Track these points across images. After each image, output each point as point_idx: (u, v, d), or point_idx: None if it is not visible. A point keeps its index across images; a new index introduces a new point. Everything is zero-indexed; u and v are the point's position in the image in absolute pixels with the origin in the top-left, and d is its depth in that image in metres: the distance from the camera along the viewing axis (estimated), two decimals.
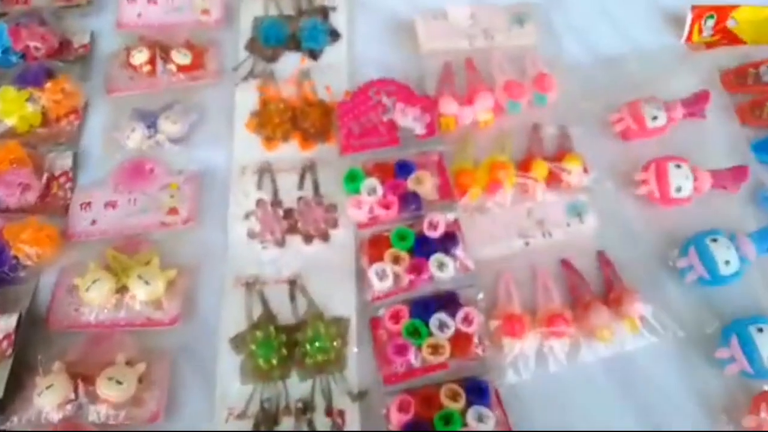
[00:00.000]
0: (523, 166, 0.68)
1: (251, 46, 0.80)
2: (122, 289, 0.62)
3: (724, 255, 0.62)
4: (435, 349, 0.58)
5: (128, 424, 0.56)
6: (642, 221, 0.68)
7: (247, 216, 0.67)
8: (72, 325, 0.61)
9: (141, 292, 0.61)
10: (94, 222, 0.68)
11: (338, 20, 0.82)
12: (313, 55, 0.79)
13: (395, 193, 0.65)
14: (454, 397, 0.56)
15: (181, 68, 0.77)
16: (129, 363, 0.58)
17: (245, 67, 0.78)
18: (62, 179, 0.71)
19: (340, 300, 0.63)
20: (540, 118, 0.73)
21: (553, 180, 0.68)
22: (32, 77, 0.75)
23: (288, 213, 0.67)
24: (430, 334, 0.59)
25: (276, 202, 0.68)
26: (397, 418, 0.55)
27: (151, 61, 0.77)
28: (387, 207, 0.65)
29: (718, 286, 0.62)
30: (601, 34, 0.82)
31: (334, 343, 0.59)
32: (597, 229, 0.66)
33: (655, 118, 0.70)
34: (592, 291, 0.63)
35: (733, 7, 0.80)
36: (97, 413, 0.55)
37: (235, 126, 0.74)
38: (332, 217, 0.67)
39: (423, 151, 0.69)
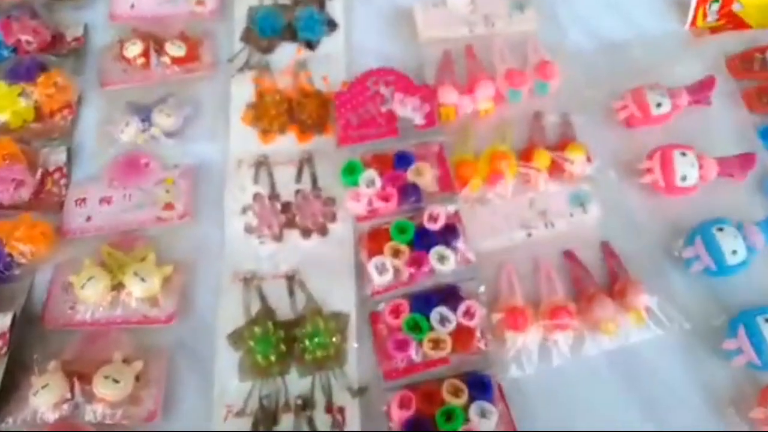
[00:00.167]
0: (525, 155, 0.67)
1: (246, 36, 0.79)
2: (118, 286, 0.61)
3: (731, 244, 0.60)
4: (436, 343, 0.57)
5: (125, 424, 0.55)
6: (646, 211, 0.67)
7: (244, 210, 0.66)
8: (67, 323, 0.61)
9: (137, 289, 0.60)
10: (89, 218, 0.67)
11: (335, 9, 0.81)
12: (310, 45, 0.77)
13: (394, 185, 0.64)
14: (456, 392, 0.55)
15: (176, 60, 0.75)
16: (126, 361, 0.57)
17: (241, 59, 0.77)
18: (56, 175, 0.70)
19: (339, 295, 0.62)
20: (542, 107, 0.72)
21: (555, 169, 0.66)
22: (24, 72, 0.74)
23: (285, 207, 0.66)
24: (431, 328, 0.58)
25: (273, 196, 0.67)
26: (398, 415, 0.54)
27: (145, 54, 0.75)
28: (386, 199, 0.64)
29: (725, 276, 0.61)
30: (604, 19, 0.80)
31: (334, 339, 0.59)
32: (600, 219, 0.65)
33: (659, 105, 0.69)
34: (596, 283, 0.62)
35: None
36: (93, 412, 0.55)
37: (230, 119, 0.73)
38: (330, 210, 0.66)
39: (422, 142, 0.68)
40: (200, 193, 0.68)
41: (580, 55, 0.77)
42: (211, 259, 0.64)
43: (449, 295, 0.60)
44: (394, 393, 0.55)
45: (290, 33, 0.78)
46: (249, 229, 0.65)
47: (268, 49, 0.77)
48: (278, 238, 0.65)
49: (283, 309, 0.61)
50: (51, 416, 0.55)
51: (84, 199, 0.68)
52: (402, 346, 0.57)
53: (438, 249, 0.61)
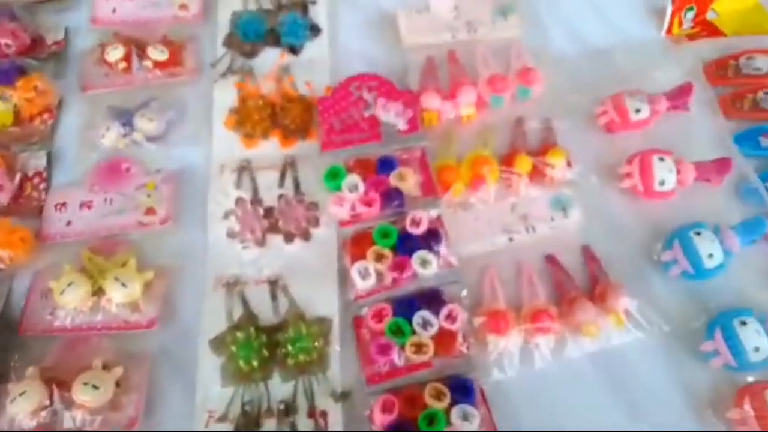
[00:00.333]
0: (507, 160, 0.68)
1: (230, 41, 0.78)
2: (98, 292, 0.61)
3: (708, 248, 0.61)
4: (418, 347, 0.57)
5: (105, 430, 0.54)
6: (627, 215, 0.68)
7: (226, 215, 0.66)
8: (47, 330, 0.60)
9: (118, 295, 0.60)
10: (69, 223, 0.66)
11: (318, 14, 0.81)
12: (293, 50, 0.78)
13: (377, 190, 0.64)
14: (438, 396, 0.55)
15: (158, 65, 0.75)
16: (106, 367, 0.56)
17: (224, 63, 0.77)
18: (36, 180, 0.69)
19: (322, 299, 0.62)
20: (524, 112, 0.72)
21: (536, 174, 0.67)
22: (3, 75, 0.73)
23: (268, 212, 0.66)
24: (414, 332, 0.58)
25: (256, 201, 0.67)
26: (380, 419, 0.54)
27: (127, 58, 0.75)
28: (369, 204, 0.64)
29: (703, 279, 0.62)
30: (587, 25, 0.81)
31: (316, 343, 0.59)
32: (581, 224, 0.66)
33: (638, 110, 0.70)
34: (577, 286, 0.62)
35: None
36: (72, 419, 0.54)
37: (213, 123, 0.72)
38: (313, 215, 0.66)
39: (405, 147, 0.68)
40: (183, 198, 0.68)
41: (563, 60, 0.78)
42: (194, 264, 0.64)
43: (432, 299, 0.60)
44: (377, 397, 0.55)
45: (273, 38, 0.78)
46: (232, 234, 0.65)
47: (251, 54, 0.77)
48: (261, 243, 0.65)
49: (266, 314, 0.61)
50: (29, 424, 0.54)
51: (64, 204, 0.67)
52: (384, 350, 0.57)
53: (421, 253, 0.61)
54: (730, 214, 0.66)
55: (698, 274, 0.62)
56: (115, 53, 0.75)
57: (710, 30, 0.80)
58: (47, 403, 0.54)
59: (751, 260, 0.64)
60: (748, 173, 0.69)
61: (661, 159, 0.66)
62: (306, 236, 0.65)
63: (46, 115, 0.73)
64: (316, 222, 0.66)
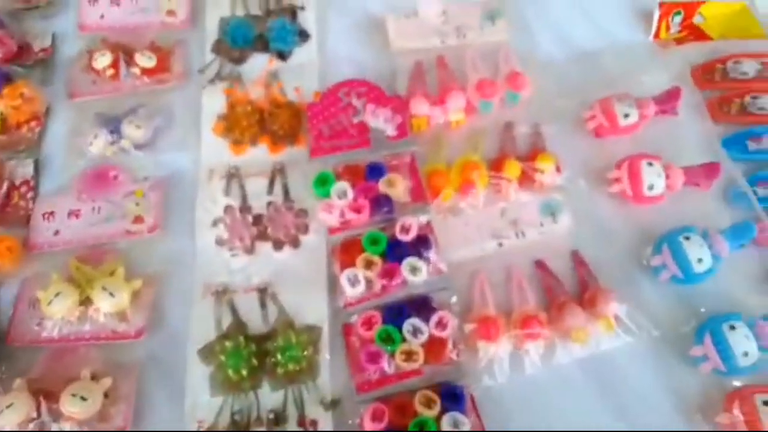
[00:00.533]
0: (496, 165, 0.67)
1: (218, 47, 0.78)
2: (86, 302, 0.60)
3: (697, 253, 0.62)
4: (409, 355, 0.57)
5: None
6: (616, 220, 0.68)
7: (215, 223, 0.66)
8: (34, 340, 0.60)
9: (105, 304, 0.60)
10: (57, 232, 0.66)
11: (307, 20, 0.80)
12: (282, 56, 0.77)
13: (366, 197, 0.64)
14: (428, 403, 0.55)
15: (146, 71, 0.75)
16: (94, 378, 0.56)
17: (212, 70, 0.76)
18: (23, 188, 0.69)
19: (311, 307, 0.61)
20: (513, 117, 0.72)
21: (525, 179, 0.67)
22: None
23: (257, 219, 0.66)
24: (404, 339, 0.58)
25: (245, 208, 0.67)
26: (370, 427, 0.54)
27: (114, 65, 0.74)
28: (358, 211, 0.64)
29: (692, 284, 0.62)
30: (574, 29, 0.81)
31: (306, 352, 0.58)
32: (571, 229, 0.66)
33: (627, 115, 0.70)
34: (566, 291, 0.62)
35: (700, 3, 0.80)
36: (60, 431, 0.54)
37: (201, 130, 0.72)
38: (303, 222, 0.66)
39: (394, 153, 0.68)
40: (171, 206, 0.68)
41: (551, 65, 0.78)
42: (182, 273, 0.64)
43: (421, 306, 0.60)
44: (367, 405, 0.55)
45: (262, 43, 0.78)
46: (220, 242, 0.65)
47: (239, 60, 0.77)
48: (250, 250, 0.64)
49: (255, 322, 0.61)
50: None
51: (52, 213, 0.67)
52: (374, 358, 0.57)
53: (410, 260, 0.61)
54: (719, 219, 0.66)
55: (687, 279, 0.62)
56: (102, 60, 0.74)
57: (697, 34, 0.80)
58: (35, 415, 0.54)
59: (739, 264, 0.64)
60: (737, 177, 0.69)
61: (650, 164, 0.67)
62: (295, 243, 0.65)
63: (33, 123, 0.73)
64: (305, 229, 0.66)
